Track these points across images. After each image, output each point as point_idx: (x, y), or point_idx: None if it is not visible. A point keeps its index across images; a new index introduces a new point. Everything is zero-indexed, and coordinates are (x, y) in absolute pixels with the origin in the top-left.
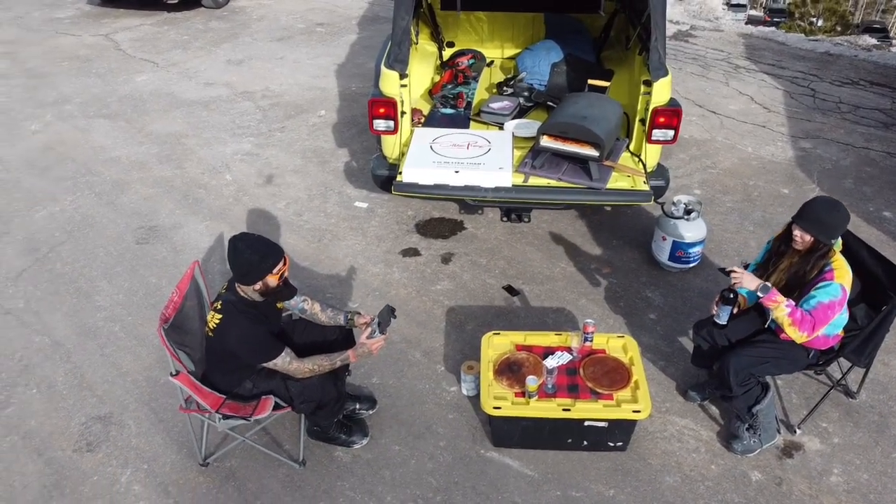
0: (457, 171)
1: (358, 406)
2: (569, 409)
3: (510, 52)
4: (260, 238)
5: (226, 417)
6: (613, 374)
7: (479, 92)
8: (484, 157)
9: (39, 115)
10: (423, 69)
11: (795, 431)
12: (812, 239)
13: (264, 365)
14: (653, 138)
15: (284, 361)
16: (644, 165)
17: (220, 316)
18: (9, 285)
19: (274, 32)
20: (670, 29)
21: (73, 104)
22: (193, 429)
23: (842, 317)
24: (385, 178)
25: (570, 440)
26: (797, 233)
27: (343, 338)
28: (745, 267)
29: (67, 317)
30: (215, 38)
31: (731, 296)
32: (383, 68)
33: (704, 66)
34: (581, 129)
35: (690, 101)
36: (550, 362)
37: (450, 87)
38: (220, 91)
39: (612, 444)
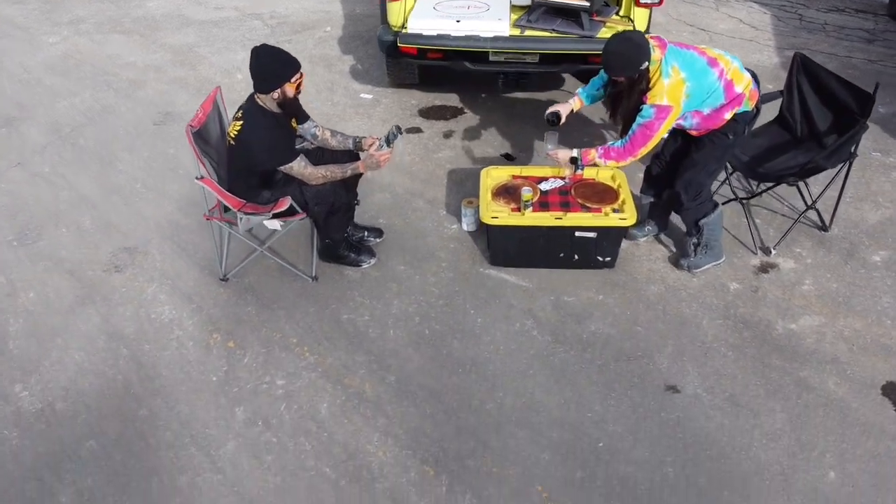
0: (458, 21)
1: (366, 234)
2: (560, 219)
3: None
4: (280, 49)
5: (247, 214)
6: (603, 194)
7: None
8: (483, 13)
9: (56, 32)
10: None
11: (770, 252)
12: (624, 77)
13: (282, 168)
14: (641, 1)
15: (300, 166)
16: (633, 25)
17: (241, 122)
18: (35, 156)
19: None
20: None
21: (88, 23)
22: (216, 241)
23: (695, 97)
24: (391, 43)
25: (561, 254)
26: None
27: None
28: (557, 120)
29: (92, 178)
30: None
31: (554, 119)
32: None
33: None
34: None
35: (681, 22)
36: (545, 185)
37: None
38: (230, 13)
39: (600, 259)
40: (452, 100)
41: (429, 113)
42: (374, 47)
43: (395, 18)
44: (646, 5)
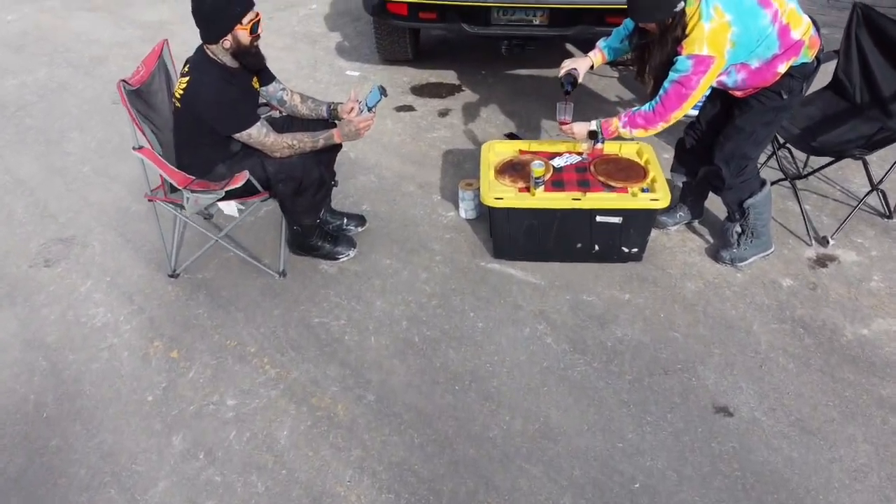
0: None
1: (345, 221)
2: (579, 199)
3: None
4: None
5: (194, 192)
6: (628, 171)
7: None
8: None
9: (16, 9)
10: None
11: (828, 243)
12: (654, 23)
13: (237, 136)
14: None
15: (260, 133)
16: None
17: (187, 79)
18: None
19: None
20: None
21: (55, 1)
22: (161, 228)
23: (743, 45)
24: (377, 2)
25: (579, 245)
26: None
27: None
28: (574, 84)
29: (34, 160)
30: None
31: (569, 82)
32: None
33: None
34: None
35: None
36: (558, 161)
37: None
38: None
39: (626, 251)
40: (449, 76)
41: (422, 90)
42: (363, 24)
43: None
44: None
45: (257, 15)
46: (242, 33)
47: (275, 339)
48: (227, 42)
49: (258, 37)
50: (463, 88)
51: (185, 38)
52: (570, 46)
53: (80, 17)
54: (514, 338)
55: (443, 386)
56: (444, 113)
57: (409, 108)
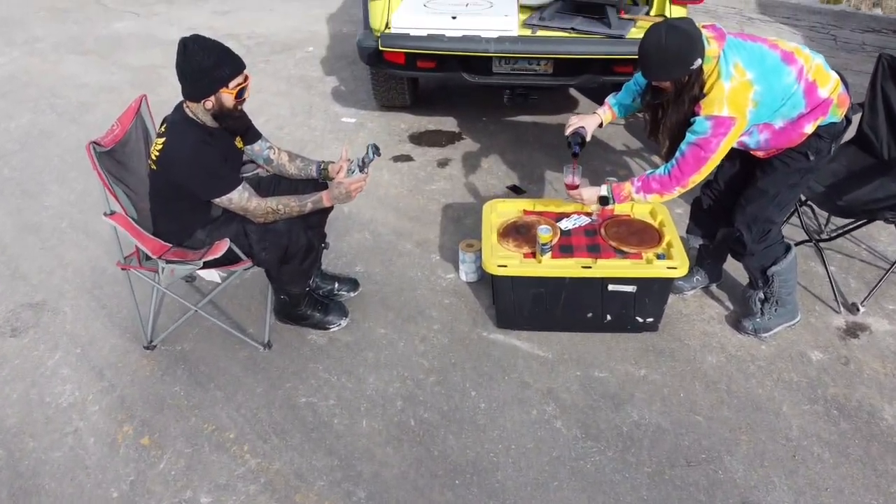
0: (454, 17)
1: (337, 286)
2: (589, 267)
3: None
4: (218, 43)
5: (169, 263)
6: (642, 234)
7: None
8: (486, 9)
9: (6, 53)
10: None
11: (858, 310)
12: (670, 81)
13: (218, 201)
14: None
15: (242, 197)
16: None
17: (163, 140)
18: None
19: None
20: None
21: (45, 43)
22: (135, 297)
23: (766, 105)
24: (373, 51)
25: (589, 314)
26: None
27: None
28: (582, 144)
29: (8, 214)
30: None
31: (577, 142)
32: None
33: (716, 17)
34: None
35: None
36: (566, 224)
37: None
38: (203, 33)
39: (640, 321)
40: (448, 124)
41: (421, 139)
42: (360, 68)
43: (377, 21)
44: (683, 2)
45: (246, 79)
46: (227, 96)
47: (256, 422)
48: (210, 103)
49: (244, 101)
50: (463, 136)
51: (177, 83)
52: (574, 92)
53: (70, 60)
54: (521, 421)
55: (441, 480)
56: (443, 163)
57: (407, 158)
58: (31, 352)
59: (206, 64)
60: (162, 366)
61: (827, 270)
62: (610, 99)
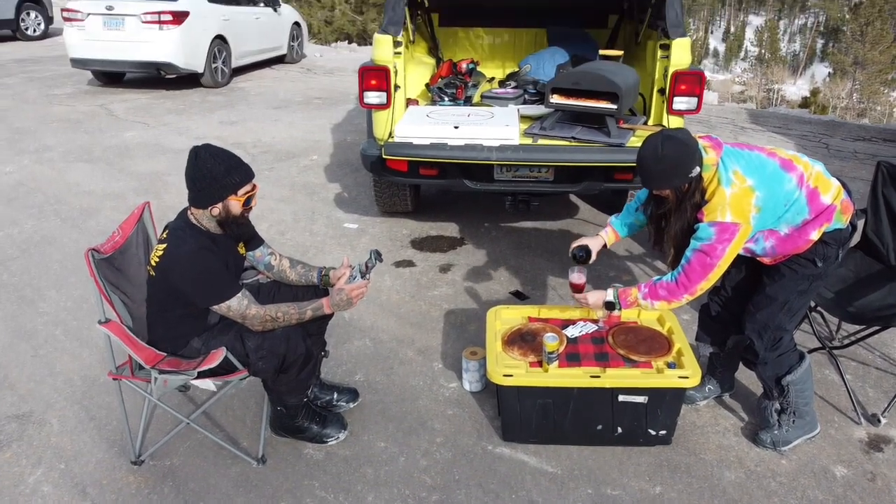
0: (456, 127)
1: (336, 396)
2: (598, 377)
3: (511, 68)
4: (228, 151)
5: (163, 373)
6: (650, 342)
7: (480, 91)
8: (487, 119)
9: (16, 160)
10: (419, 71)
11: (879, 422)
12: (670, 190)
13: (216, 308)
14: (675, 108)
15: (241, 305)
16: None
17: (164, 246)
18: None
19: (271, 103)
20: None
21: (55, 152)
22: (124, 409)
23: (769, 210)
24: (376, 159)
25: (600, 426)
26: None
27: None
28: (587, 255)
29: (2, 321)
30: (211, 107)
31: (582, 254)
32: (376, 35)
33: (710, 127)
34: (596, 77)
35: None
36: (572, 331)
37: (449, 78)
38: (210, 142)
39: (653, 433)
40: (450, 229)
41: (423, 244)
42: (363, 175)
43: (381, 130)
44: (680, 112)
45: (254, 187)
46: (234, 204)
47: None
48: (217, 210)
49: (250, 209)
50: (465, 242)
51: (181, 189)
52: (575, 198)
53: (77, 168)
54: None
55: None
56: (445, 268)
57: (409, 264)
58: (11, 467)
59: (216, 171)
60: (149, 483)
61: (843, 379)
62: (612, 220)
